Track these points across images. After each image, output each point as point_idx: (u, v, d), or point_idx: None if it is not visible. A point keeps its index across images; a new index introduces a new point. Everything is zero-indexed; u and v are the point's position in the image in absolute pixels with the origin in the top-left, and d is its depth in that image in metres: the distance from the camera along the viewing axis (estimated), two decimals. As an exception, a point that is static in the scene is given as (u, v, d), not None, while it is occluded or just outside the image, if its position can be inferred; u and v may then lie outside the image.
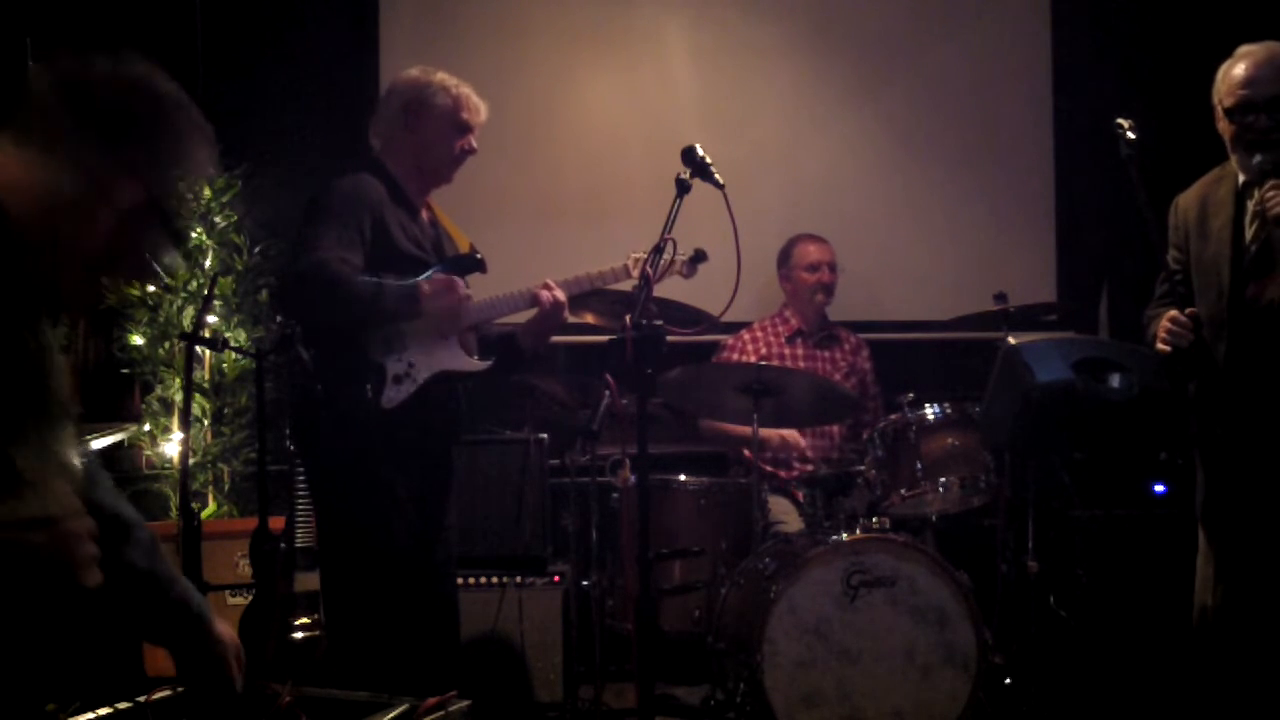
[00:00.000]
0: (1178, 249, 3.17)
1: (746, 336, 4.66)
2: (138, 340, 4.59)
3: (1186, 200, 3.17)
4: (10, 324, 1.51)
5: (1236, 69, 2.98)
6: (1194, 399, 3.07)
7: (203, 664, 1.79)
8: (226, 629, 1.84)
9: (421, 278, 3.05)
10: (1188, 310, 2.96)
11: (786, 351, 4.63)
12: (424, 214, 3.24)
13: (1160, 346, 2.98)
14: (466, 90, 3.20)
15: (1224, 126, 3.02)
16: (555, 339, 3.35)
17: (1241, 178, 3.03)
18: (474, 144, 3.21)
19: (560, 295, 3.14)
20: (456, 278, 3.06)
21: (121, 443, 4.37)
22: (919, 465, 3.86)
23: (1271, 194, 2.86)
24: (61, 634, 1.56)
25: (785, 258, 4.70)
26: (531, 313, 3.21)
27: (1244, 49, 3.01)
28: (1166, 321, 2.98)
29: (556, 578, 4.08)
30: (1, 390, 1.49)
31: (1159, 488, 4.46)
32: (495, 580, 4.04)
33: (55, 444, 1.46)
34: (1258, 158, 2.93)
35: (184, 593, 1.78)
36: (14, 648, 1.50)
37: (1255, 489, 2.95)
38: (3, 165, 1.53)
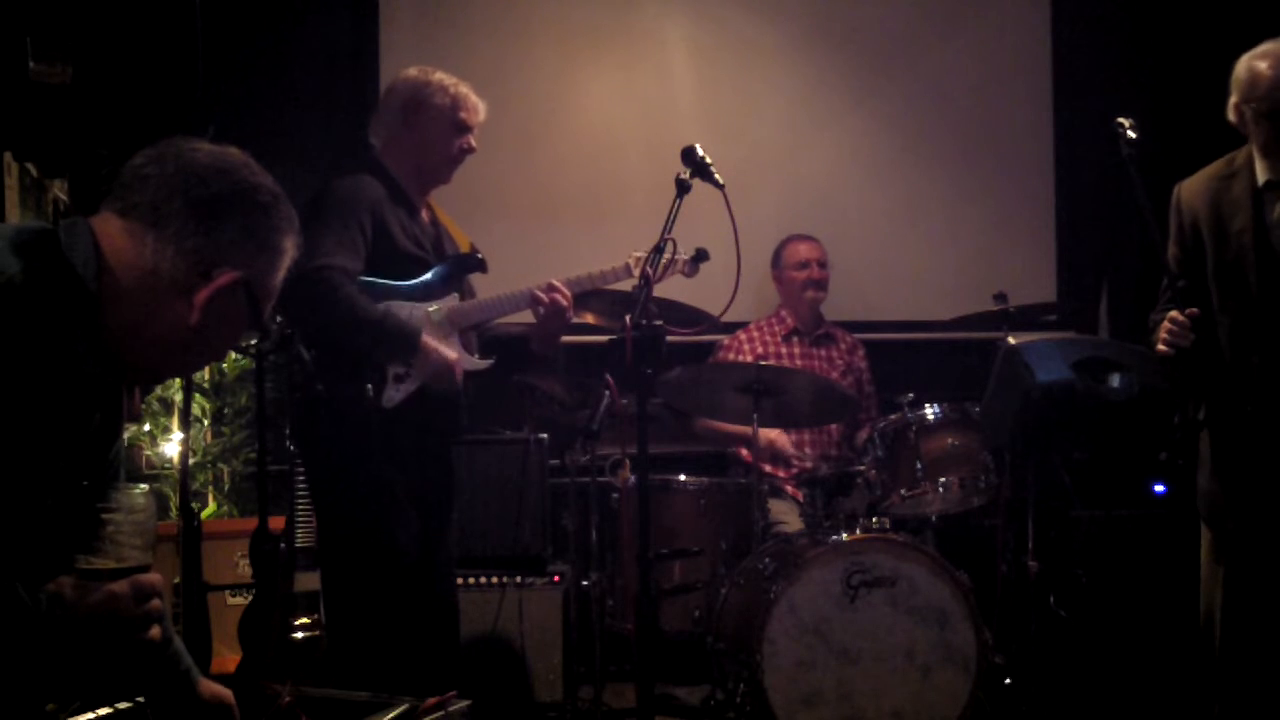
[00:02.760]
0: (1179, 246, 3.05)
1: (743, 336, 4.66)
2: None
3: (1191, 193, 3.03)
4: (85, 398, 1.56)
5: (1267, 69, 2.81)
6: (1203, 401, 3.02)
7: None
8: (212, 688, 1.83)
9: (421, 280, 3.07)
10: (1188, 310, 2.87)
11: (783, 350, 4.64)
12: (424, 213, 3.24)
13: (1161, 349, 2.90)
14: (465, 90, 3.19)
15: (1254, 130, 2.88)
16: (555, 339, 3.34)
17: (1262, 177, 2.90)
18: (473, 143, 3.21)
19: (562, 297, 3.10)
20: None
21: (121, 443, 4.36)
22: (919, 465, 3.87)
23: None
24: (112, 681, 1.61)
25: (776, 258, 4.74)
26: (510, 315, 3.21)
27: (1269, 46, 2.85)
28: (1166, 322, 2.89)
29: (556, 578, 4.08)
30: (82, 454, 1.56)
31: (1159, 488, 4.46)
32: (495, 580, 4.03)
33: (128, 501, 1.49)
34: None
35: (176, 651, 1.79)
36: (68, 691, 1.56)
37: None
38: (111, 236, 1.57)
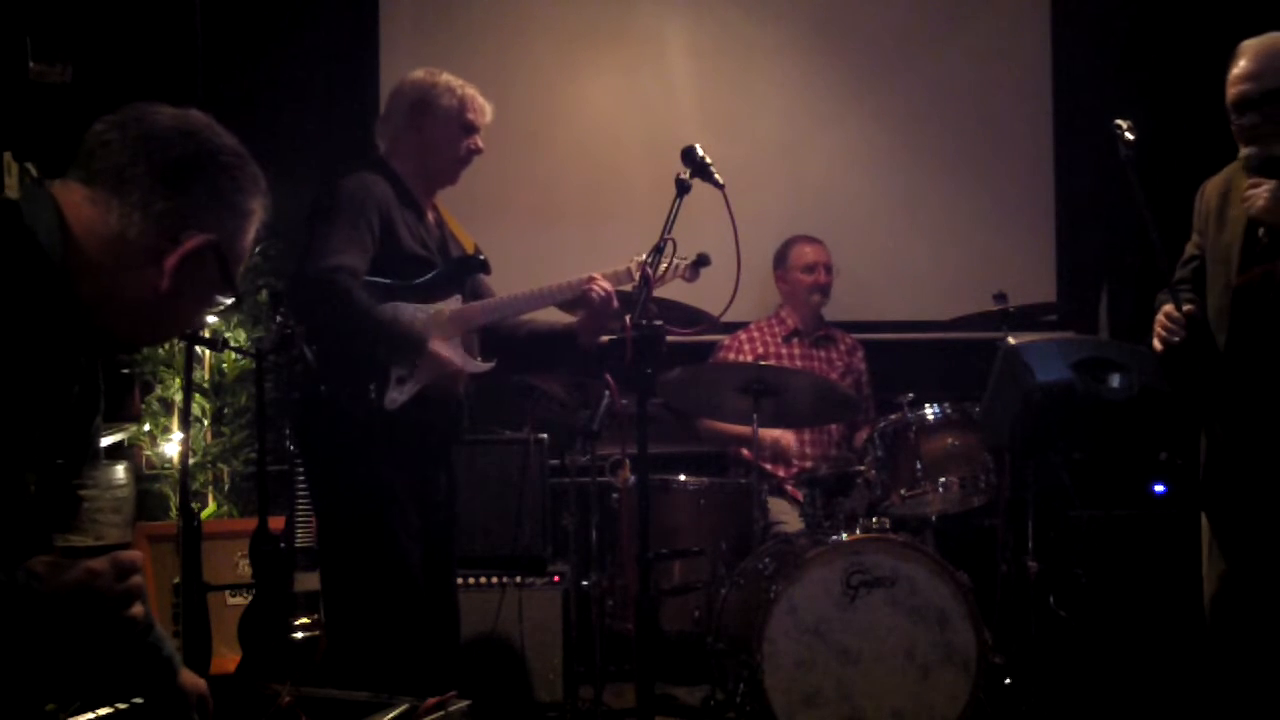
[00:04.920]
0: (1200, 234, 3.13)
1: (743, 337, 4.66)
2: (137, 340, 4.57)
3: (1212, 186, 3.13)
4: (61, 371, 1.54)
5: (1234, 64, 2.97)
6: (1197, 393, 3.04)
7: (164, 711, 1.79)
8: (192, 678, 1.82)
9: (425, 280, 3.07)
10: (1185, 307, 2.93)
11: (784, 351, 4.64)
12: (430, 215, 3.24)
13: (1155, 344, 2.97)
14: (472, 91, 3.20)
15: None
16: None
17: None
18: (480, 144, 3.21)
19: (609, 286, 3.10)
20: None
21: (121, 443, 4.37)
22: (919, 465, 3.86)
23: (1251, 191, 2.87)
24: (97, 663, 1.58)
25: (782, 259, 4.71)
26: (539, 311, 3.21)
27: (1244, 44, 2.99)
28: (1161, 317, 2.95)
29: (556, 578, 4.08)
30: (61, 429, 1.53)
31: (1159, 488, 4.46)
32: (495, 580, 4.04)
33: (106, 478, 1.48)
34: (1244, 151, 2.93)
35: (157, 638, 1.78)
36: (53, 675, 1.52)
37: (1256, 478, 2.91)
38: (76, 204, 1.55)
